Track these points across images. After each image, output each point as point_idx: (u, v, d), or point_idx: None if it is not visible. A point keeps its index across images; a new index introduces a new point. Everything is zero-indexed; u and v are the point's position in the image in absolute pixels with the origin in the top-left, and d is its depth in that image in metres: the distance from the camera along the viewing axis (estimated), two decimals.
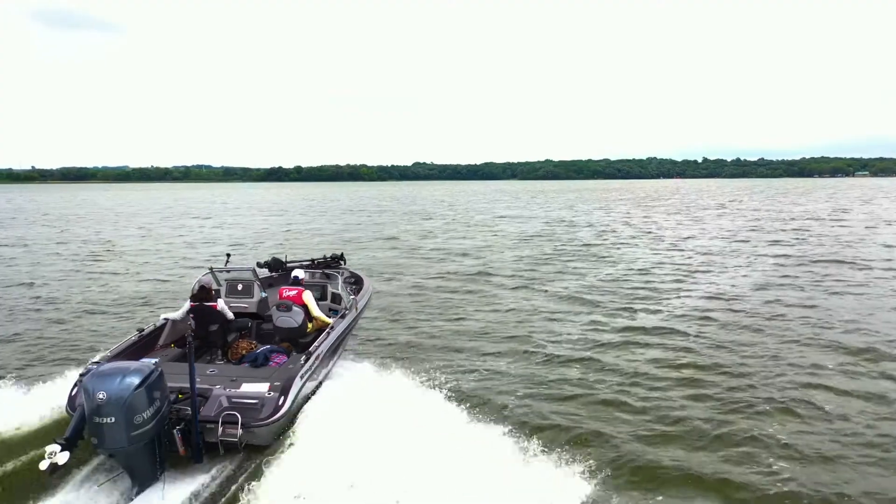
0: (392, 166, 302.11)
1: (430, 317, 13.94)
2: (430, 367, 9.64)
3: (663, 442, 7.66)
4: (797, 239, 28.14)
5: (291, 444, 6.42)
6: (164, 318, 8.67)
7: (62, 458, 5.35)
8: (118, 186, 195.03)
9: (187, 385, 6.11)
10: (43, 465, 5.27)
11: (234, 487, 6.05)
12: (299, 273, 9.55)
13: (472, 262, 22.45)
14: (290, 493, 5.58)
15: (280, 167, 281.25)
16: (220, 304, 8.58)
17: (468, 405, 8.01)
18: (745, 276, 18.68)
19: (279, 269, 11.38)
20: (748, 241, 27.59)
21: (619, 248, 26.04)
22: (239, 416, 6.26)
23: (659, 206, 59.08)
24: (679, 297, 15.68)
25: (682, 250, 24.96)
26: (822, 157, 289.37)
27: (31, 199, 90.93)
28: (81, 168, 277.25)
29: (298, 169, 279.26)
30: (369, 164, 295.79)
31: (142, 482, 5.87)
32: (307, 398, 7.31)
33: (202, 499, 5.91)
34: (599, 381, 9.63)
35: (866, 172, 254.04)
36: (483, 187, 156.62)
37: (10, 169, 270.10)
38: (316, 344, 7.90)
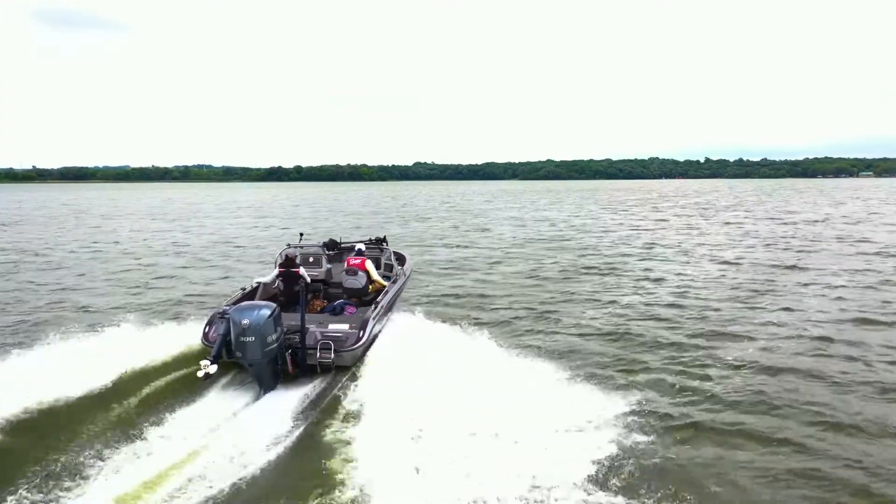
0: (393, 166, 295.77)
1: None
2: (465, 322, 11.88)
3: None
4: (860, 251, 23.55)
5: (367, 367, 8.75)
6: (257, 282, 10.87)
7: (212, 369, 7.81)
8: (115, 186, 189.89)
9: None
10: (199, 374, 7.73)
11: (329, 395, 8.31)
12: (362, 246, 11.78)
13: (472, 282, 18.12)
14: (369, 401, 7.63)
15: (280, 167, 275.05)
16: (302, 270, 10.61)
17: (503, 344, 10.21)
18: (831, 302, 14.31)
19: (335, 249, 12.71)
20: (803, 252, 23.16)
21: (650, 261, 21.68)
22: (332, 343, 8.59)
23: (677, 208, 54.64)
24: (753, 339, 11.37)
25: (728, 264, 20.57)
26: (826, 157, 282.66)
27: (13, 200, 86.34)
28: (82, 168, 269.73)
29: (298, 169, 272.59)
30: (370, 163, 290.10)
31: (266, 388, 8.30)
32: (375, 337, 9.39)
33: (307, 403, 8.16)
34: None
35: (870, 173, 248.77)
36: (485, 187, 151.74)
37: (11, 168, 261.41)
38: (379, 298, 10.14)
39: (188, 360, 8.78)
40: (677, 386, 8.98)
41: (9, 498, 5.82)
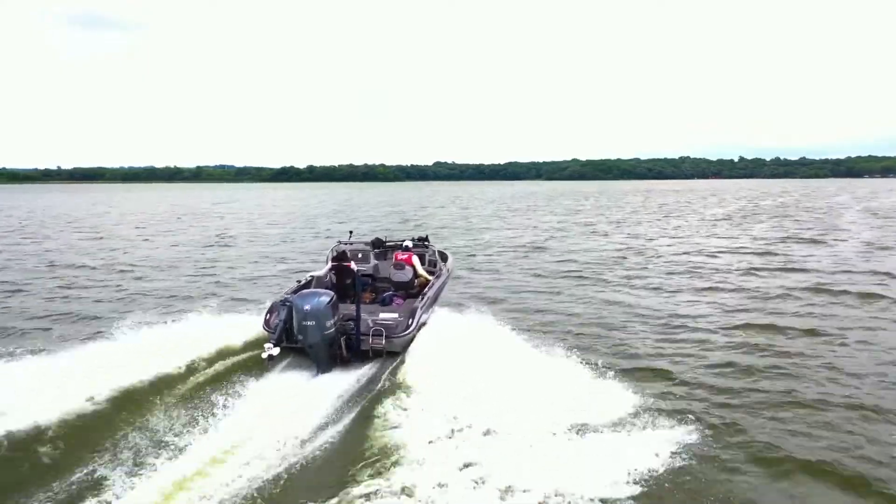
0: (411, 166, 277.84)
1: None
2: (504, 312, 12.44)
3: None
4: None
5: (415, 354, 8.94)
6: (311, 276, 11.23)
7: (274, 351, 8.40)
8: (113, 187, 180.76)
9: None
10: (263, 356, 8.35)
11: (380, 379, 8.62)
12: (409, 243, 12.52)
13: None
14: (416, 385, 7.86)
15: (292, 167, 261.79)
16: (353, 264, 11.06)
17: (530, 335, 10.30)
18: None
19: (380, 247, 13.16)
20: None
21: None
22: (383, 330, 9.16)
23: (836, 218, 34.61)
24: None
25: None
26: (870, 155, 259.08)
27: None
28: (99, 168, 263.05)
29: (311, 168, 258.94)
30: (388, 163, 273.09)
31: (323, 370, 8.87)
32: (422, 326, 9.90)
33: (360, 385, 8.56)
34: None
35: None
36: (508, 189, 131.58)
37: (35, 168, 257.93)
38: (425, 290, 10.87)
39: (250, 346, 9.40)
40: None
41: (91, 465, 6.22)
